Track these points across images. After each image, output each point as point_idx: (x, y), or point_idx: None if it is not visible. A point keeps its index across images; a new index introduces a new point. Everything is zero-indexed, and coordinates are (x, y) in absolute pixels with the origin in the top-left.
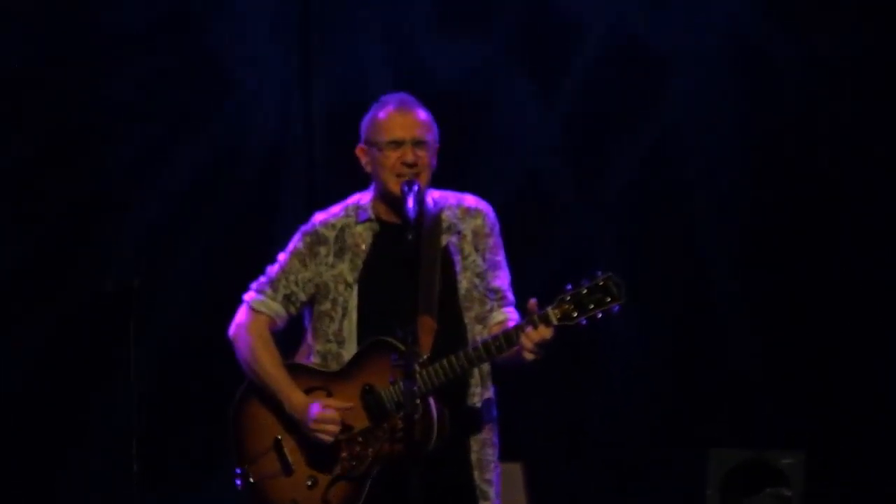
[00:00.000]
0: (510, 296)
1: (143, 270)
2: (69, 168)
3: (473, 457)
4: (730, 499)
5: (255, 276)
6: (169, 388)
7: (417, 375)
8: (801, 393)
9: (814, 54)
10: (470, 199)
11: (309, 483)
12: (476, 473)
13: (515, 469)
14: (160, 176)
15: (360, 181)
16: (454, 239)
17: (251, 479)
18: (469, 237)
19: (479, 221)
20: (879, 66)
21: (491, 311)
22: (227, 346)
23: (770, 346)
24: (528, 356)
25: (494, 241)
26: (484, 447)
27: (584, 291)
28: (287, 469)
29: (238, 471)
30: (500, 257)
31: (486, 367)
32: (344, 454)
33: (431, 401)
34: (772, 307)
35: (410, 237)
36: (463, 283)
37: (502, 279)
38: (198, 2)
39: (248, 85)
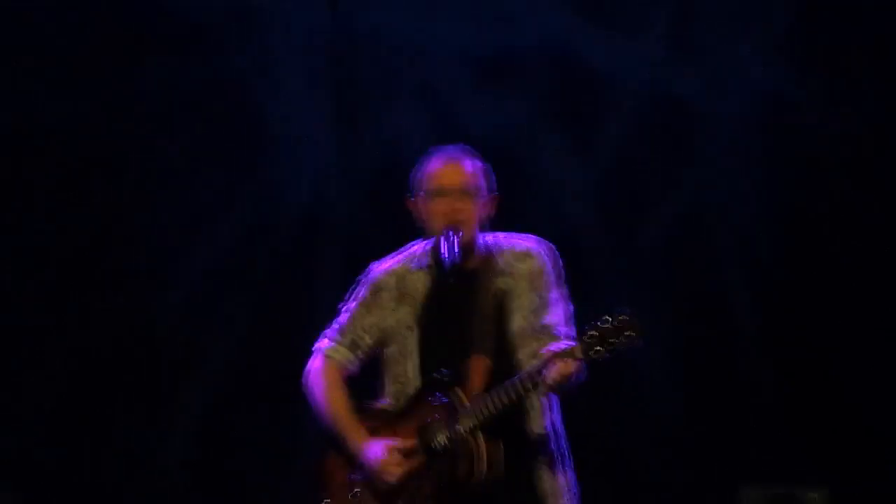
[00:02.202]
0: (562, 329)
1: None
2: (109, 231)
3: (546, 485)
4: None
5: (296, 339)
6: (209, 451)
7: (466, 411)
8: (825, 428)
9: (847, 113)
10: (521, 244)
11: None
12: (550, 501)
13: None
14: (199, 235)
15: (397, 238)
16: (507, 281)
17: None
18: (524, 277)
19: (530, 264)
20: None
21: (543, 346)
22: (266, 405)
23: (792, 382)
24: (547, 389)
25: (548, 279)
26: (555, 477)
27: (607, 327)
28: None
29: (324, 502)
30: (555, 295)
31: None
32: (403, 492)
33: (480, 435)
34: (795, 344)
35: (452, 281)
36: (515, 323)
37: (553, 315)
38: (237, 63)
39: (285, 145)
